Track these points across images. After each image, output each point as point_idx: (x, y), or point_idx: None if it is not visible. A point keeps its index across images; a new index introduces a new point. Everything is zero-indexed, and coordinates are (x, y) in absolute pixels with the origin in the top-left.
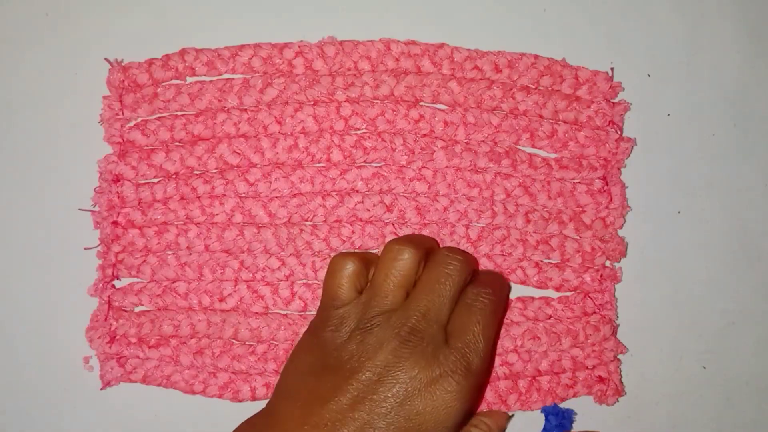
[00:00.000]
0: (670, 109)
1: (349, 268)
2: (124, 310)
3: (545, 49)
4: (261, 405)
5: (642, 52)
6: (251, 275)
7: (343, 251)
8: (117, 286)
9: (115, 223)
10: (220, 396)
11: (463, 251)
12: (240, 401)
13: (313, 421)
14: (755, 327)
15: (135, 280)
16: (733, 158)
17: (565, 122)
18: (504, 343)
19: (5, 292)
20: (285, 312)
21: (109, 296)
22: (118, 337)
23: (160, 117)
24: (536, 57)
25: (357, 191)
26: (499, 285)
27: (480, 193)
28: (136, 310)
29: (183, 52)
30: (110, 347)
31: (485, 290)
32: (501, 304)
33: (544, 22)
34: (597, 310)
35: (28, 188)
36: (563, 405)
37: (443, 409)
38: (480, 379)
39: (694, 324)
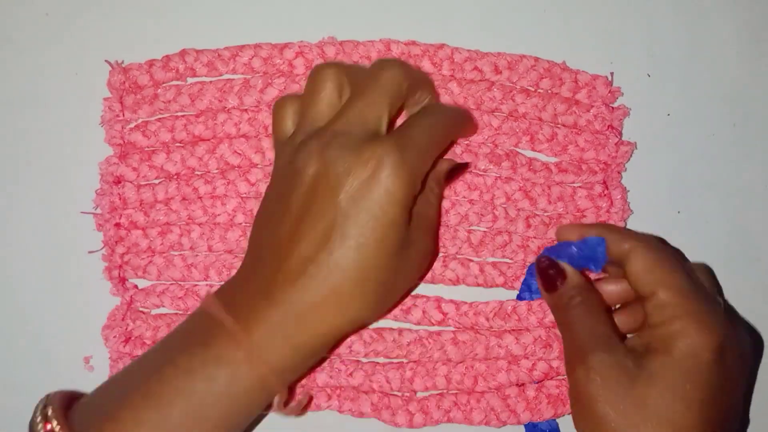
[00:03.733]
0: (670, 109)
1: (289, 105)
2: (141, 312)
3: (545, 49)
4: (268, 416)
5: (642, 52)
6: None
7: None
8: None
9: (117, 224)
10: None
11: (401, 62)
12: None
13: (284, 267)
14: (755, 326)
15: (157, 282)
16: (733, 158)
17: (564, 126)
18: (513, 350)
19: (6, 295)
20: None
21: (131, 296)
22: (133, 338)
23: (160, 118)
24: (536, 59)
25: None
26: (455, 110)
27: (480, 196)
28: (153, 312)
29: (183, 53)
30: (124, 346)
31: (438, 105)
32: (454, 121)
33: (544, 23)
34: None
35: (29, 190)
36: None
37: (385, 195)
38: (416, 163)
39: None
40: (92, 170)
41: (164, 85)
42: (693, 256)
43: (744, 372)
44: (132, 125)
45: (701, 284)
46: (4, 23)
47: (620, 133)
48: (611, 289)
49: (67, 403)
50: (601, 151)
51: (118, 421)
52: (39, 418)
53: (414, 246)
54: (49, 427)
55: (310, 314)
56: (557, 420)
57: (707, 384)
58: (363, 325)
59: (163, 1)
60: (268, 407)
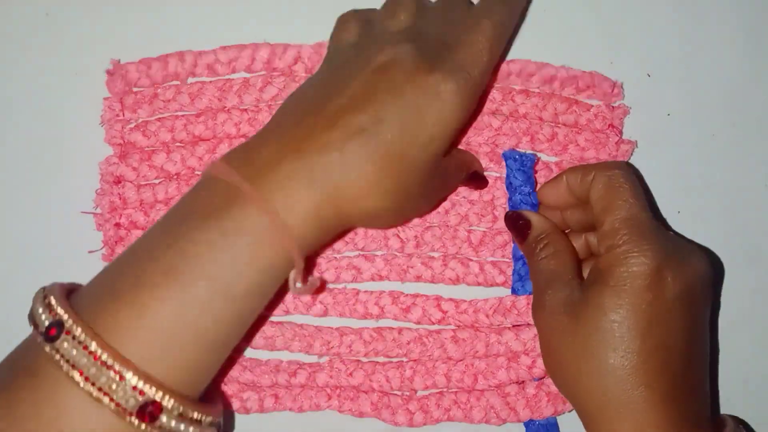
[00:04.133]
0: (670, 109)
1: (354, 19)
2: None
3: (545, 49)
4: (268, 416)
5: (642, 52)
6: None
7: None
8: None
9: (117, 224)
10: (227, 406)
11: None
12: (247, 412)
13: (321, 119)
14: (755, 327)
15: None
16: (733, 158)
17: (565, 125)
18: (513, 346)
19: (7, 295)
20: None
21: None
22: None
23: (160, 118)
24: (537, 66)
25: None
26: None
27: (480, 197)
28: None
29: (183, 54)
30: None
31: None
32: (512, 19)
33: (544, 23)
34: None
35: (29, 190)
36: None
37: (450, 109)
38: (478, 89)
39: None
40: (92, 170)
41: (164, 85)
42: None
43: (695, 297)
44: (132, 125)
45: (649, 213)
46: (4, 23)
47: (621, 132)
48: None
49: (67, 293)
50: (602, 150)
51: (135, 304)
52: (41, 309)
53: (429, 185)
54: (55, 317)
55: (337, 185)
56: (557, 418)
57: (644, 308)
58: (371, 223)
59: (163, 1)
60: (282, 290)
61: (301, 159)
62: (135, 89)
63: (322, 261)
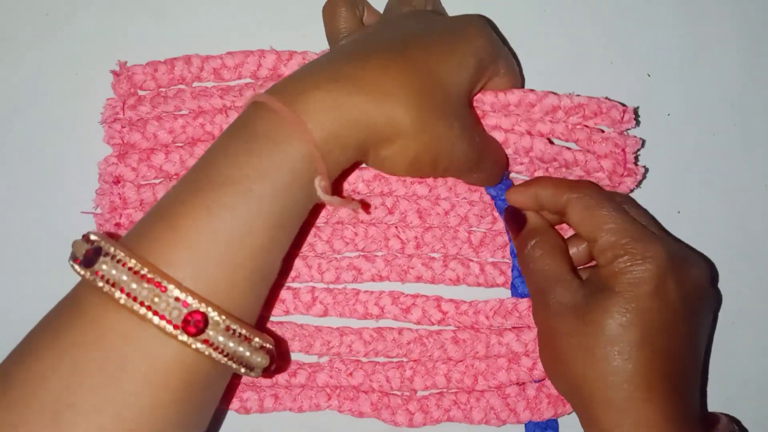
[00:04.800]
0: (670, 109)
1: (342, 3)
2: None
3: (545, 49)
4: (268, 416)
5: (642, 52)
6: None
7: None
8: None
9: (117, 224)
10: (226, 407)
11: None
12: (247, 412)
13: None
14: (755, 327)
15: None
16: (733, 158)
17: (579, 141)
18: (514, 347)
19: (7, 296)
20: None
21: None
22: None
23: (159, 118)
24: (537, 96)
25: (358, 193)
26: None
27: (481, 198)
28: None
29: (189, 58)
30: None
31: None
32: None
33: (544, 23)
34: None
35: (29, 190)
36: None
37: (473, 45)
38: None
39: None
40: (92, 170)
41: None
42: None
43: (696, 302)
44: (131, 125)
45: (637, 221)
46: (4, 23)
47: (625, 165)
48: (572, 252)
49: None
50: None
51: (168, 223)
52: (80, 242)
53: (457, 121)
54: (93, 244)
55: (357, 81)
56: (557, 420)
57: (649, 313)
58: (394, 139)
59: (163, 1)
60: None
61: (325, 68)
62: (140, 92)
63: (322, 261)
